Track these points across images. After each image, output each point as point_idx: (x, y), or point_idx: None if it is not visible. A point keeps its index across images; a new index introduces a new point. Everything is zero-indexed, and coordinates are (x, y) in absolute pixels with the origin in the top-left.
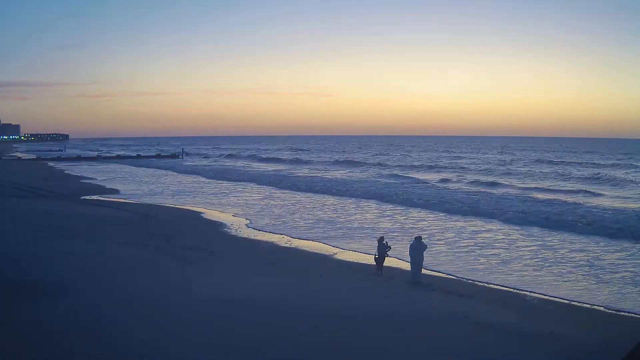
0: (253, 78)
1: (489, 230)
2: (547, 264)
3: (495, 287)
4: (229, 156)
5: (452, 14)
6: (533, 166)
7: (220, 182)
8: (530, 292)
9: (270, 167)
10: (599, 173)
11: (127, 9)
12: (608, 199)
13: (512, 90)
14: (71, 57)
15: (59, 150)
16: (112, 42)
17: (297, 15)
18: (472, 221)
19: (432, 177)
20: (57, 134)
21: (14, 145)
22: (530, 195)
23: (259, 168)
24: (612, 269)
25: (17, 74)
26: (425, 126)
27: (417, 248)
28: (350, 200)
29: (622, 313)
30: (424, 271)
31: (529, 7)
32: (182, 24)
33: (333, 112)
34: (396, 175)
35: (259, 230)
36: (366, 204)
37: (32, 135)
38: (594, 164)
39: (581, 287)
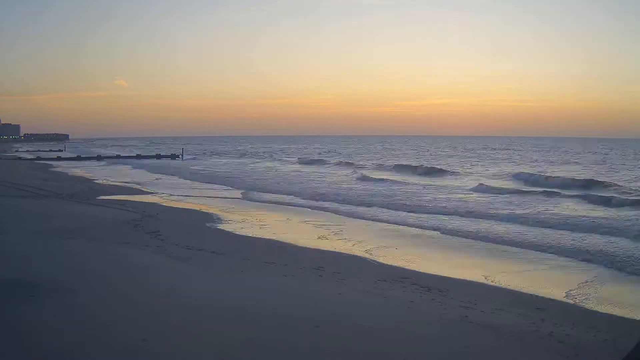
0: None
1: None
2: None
3: (496, 287)
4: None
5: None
6: None
7: None
8: (531, 291)
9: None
10: None
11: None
12: None
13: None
14: (72, 60)
15: (59, 150)
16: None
17: None
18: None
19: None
20: (57, 134)
21: (14, 145)
22: None
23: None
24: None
25: (19, 75)
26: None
27: None
28: None
29: (622, 313)
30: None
31: None
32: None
33: None
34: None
35: (263, 229)
36: None
37: (32, 135)
38: None
39: (581, 287)
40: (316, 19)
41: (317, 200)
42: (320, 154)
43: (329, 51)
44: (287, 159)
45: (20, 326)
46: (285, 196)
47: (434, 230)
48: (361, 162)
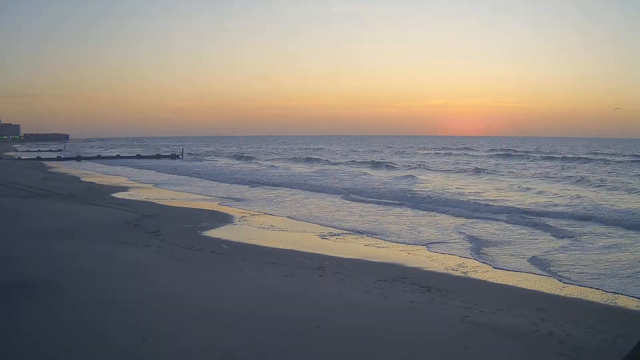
0: None
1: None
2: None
3: (496, 287)
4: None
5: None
6: None
7: None
8: (531, 291)
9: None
10: None
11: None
12: None
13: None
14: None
15: (59, 150)
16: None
17: None
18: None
19: None
20: (57, 134)
21: (14, 145)
22: None
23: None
24: (612, 265)
25: (19, 75)
26: None
27: None
28: None
29: (622, 312)
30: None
31: None
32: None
33: None
34: None
35: (263, 228)
36: None
37: (32, 135)
38: None
39: (582, 286)
40: (319, 24)
41: None
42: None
43: (331, 54)
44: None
45: (18, 327)
46: None
47: None
48: None
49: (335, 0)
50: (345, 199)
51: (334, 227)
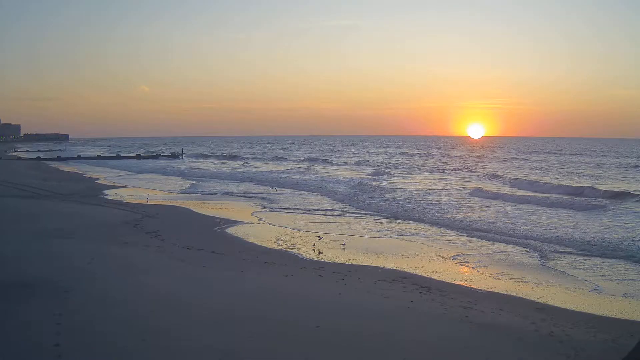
0: None
1: None
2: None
3: (496, 287)
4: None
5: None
6: None
7: None
8: (531, 292)
9: None
10: None
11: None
12: None
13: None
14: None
15: (59, 150)
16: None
17: None
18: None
19: None
20: (57, 134)
21: (14, 145)
22: None
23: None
24: (610, 268)
25: (20, 75)
26: None
27: None
28: None
29: (622, 313)
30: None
31: None
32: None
33: None
34: None
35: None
36: None
37: (32, 135)
38: None
39: (581, 287)
40: (323, 35)
41: None
42: None
43: (334, 61)
44: None
45: (19, 326)
46: None
47: None
48: None
49: (333, 15)
50: None
51: None
